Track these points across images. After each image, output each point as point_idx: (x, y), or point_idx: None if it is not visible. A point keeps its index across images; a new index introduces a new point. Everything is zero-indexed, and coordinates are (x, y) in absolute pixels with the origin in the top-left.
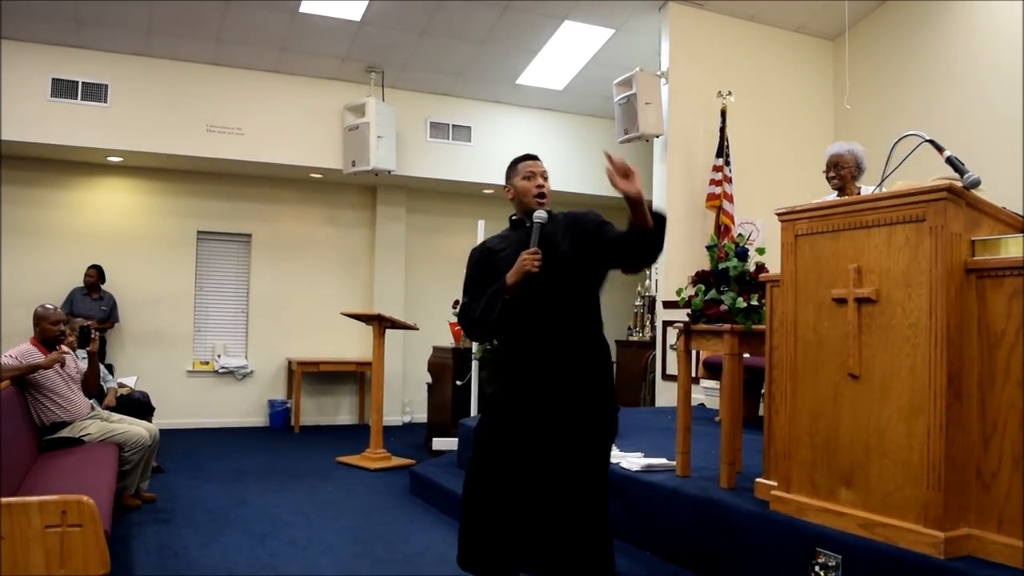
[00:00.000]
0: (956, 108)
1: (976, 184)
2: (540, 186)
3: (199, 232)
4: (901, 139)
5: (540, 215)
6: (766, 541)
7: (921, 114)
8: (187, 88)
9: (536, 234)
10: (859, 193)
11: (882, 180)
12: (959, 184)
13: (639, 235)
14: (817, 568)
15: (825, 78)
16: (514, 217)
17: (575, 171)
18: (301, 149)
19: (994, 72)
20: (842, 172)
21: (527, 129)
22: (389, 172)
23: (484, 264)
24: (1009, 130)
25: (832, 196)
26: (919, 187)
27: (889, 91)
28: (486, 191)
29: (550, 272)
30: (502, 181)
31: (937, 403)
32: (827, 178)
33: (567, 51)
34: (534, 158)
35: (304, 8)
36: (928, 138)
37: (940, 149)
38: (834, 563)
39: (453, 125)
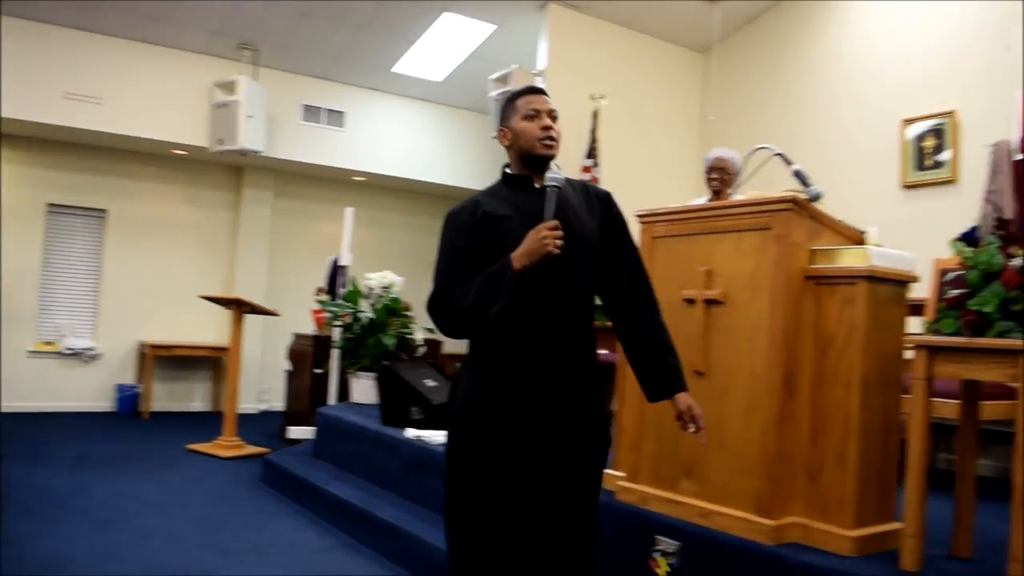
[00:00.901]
0: (808, 125)
1: (818, 197)
2: (548, 128)
3: (49, 205)
4: (754, 151)
5: (556, 175)
6: (611, 529)
7: (776, 129)
8: (45, 52)
9: (552, 202)
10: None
11: (735, 189)
12: (803, 196)
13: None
14: (656, 554)
15: (694, 88)
16: (509, 170)
17: (450, 163)
18: (165, 123)
19: (842, 93)
20: (724, 177)
21: (402, 118)
22: (258, 153)
23: (478, 233)
24: (853, 148)
25: (704, 199)
26: (767, 197)
27: (749, 105)
28: (357, 178)
29: (566, 249)
30: (375, 168)
31: (772, 401)
32: (708, 180)
33: (447, 43)
34: (539, 91)
35: None
36: (778, 151)
37: (788, 162)
38: (672, 550)
39: (327, 109)
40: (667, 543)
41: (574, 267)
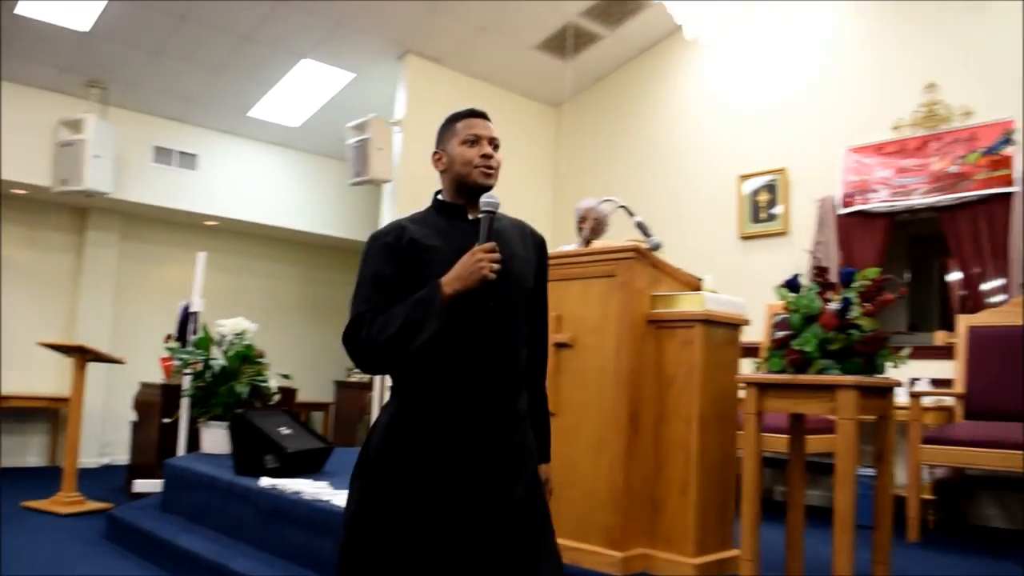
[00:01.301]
0: (654, 178)
1: (658, 247)
2: (488, 156)
3: None
4: (600, 203)
5: (492, 199)
6: None
7: (624, 181)
8: None
9: (487, 227)
10: None
11: (583, 239)
12: (644, 246)
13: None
14: None
15: (548, 141)
16: (441, 197)
17: (307, 210)
18: (4, 161)
19: (686, 148)
20: (595, 226)
21: (258, 163)
22: (104, 194)
23: (402, 261)
24: (696, 200)
25: (573, 246)
26: (612, 247)
27: (600, 158)
28: (209, 222)
29: (502, 288)
30: (228, 213)
31: (619, 437)
32: (579, 228)
33: (305, 89)
34: (481, 115)
35: (20, 9)
36: (622, 204)
37: (631, 214)
38: None
39: (179, 152)
40: None
41: (510, 305)
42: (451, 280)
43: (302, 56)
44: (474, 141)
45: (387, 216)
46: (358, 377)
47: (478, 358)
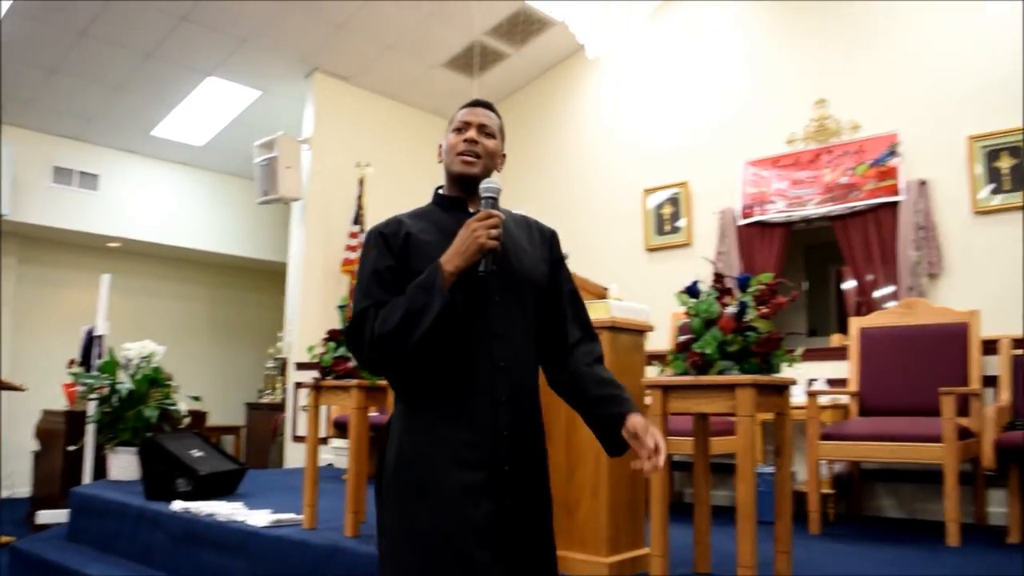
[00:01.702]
0: (564, 191)
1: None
2: (471, 141)
3: None
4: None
5: (492, 185)
6: None
7: (534, 195)
8: None
9: (489, 264)
10: None
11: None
12: None
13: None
14: None
15: None
16: (441, 191)
17: (214, 229)
18: None
19: (594, 162)
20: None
21: (161, 182)
22: (0, 217)
23: (400, 255)
24: (604, 213)
25: None
26: None
27: (509, 174)
28: (112, 244)
29: (507, 283)
30: (132, 234)
31: None
32: None
33: (210, 107)
34: (482, 104)
35: None
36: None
37: None
38: None
39: (80, 172)
40: None
41: (517, 300)
42: (450, 257)
43: (207, 74)
44: (461, 128)
45: (297, 234)
46: (270, 398)
47: (483, 353)
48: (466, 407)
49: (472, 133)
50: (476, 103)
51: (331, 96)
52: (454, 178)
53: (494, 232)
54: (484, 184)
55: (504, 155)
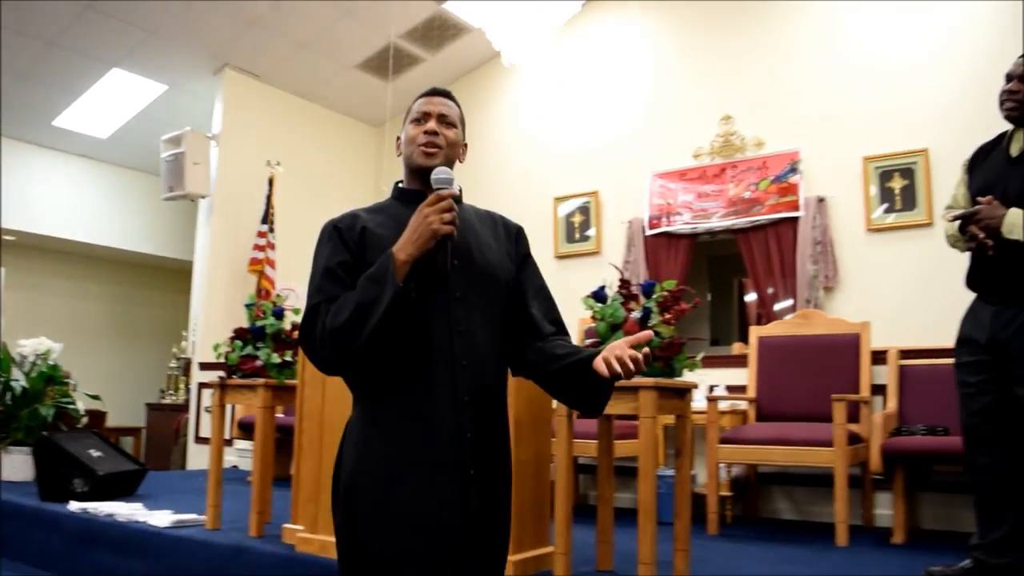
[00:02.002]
0: (476, 198)
1: None
2: (431, 132)
3: None
4: None
5: (444, 173)
6: None
7: None
8: None
9: (447, 253)
10: None
11: None
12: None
13: (578, 383)
14: None
15: (368, 160)
16: (400, 184)
17: (116, 225)
18: None
19: (508, 170)
20: None
21: (61, 174)
22: None
23: (357, 249)
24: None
25: None
26: None
27: None
28: (8, 237)
29: (469, 278)
30: (29, 227)
31: None
32: None
33: (114, 99)
34: (440, 93)
35: None
36: None
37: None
38: None
39: None
40: None
41: (479, 297)
42: (402, 245)
43: (112, 65)
44: (420, 119)
45: (203, 233)
46: (172, 399)
47: (443, 352)
48: (426, 409)
49: (432, 124)
50: (434, 91)
51: (241, 93)
52: (414, 171)
53: (447, 216)
54: (434, 174)
55: (465, 144)
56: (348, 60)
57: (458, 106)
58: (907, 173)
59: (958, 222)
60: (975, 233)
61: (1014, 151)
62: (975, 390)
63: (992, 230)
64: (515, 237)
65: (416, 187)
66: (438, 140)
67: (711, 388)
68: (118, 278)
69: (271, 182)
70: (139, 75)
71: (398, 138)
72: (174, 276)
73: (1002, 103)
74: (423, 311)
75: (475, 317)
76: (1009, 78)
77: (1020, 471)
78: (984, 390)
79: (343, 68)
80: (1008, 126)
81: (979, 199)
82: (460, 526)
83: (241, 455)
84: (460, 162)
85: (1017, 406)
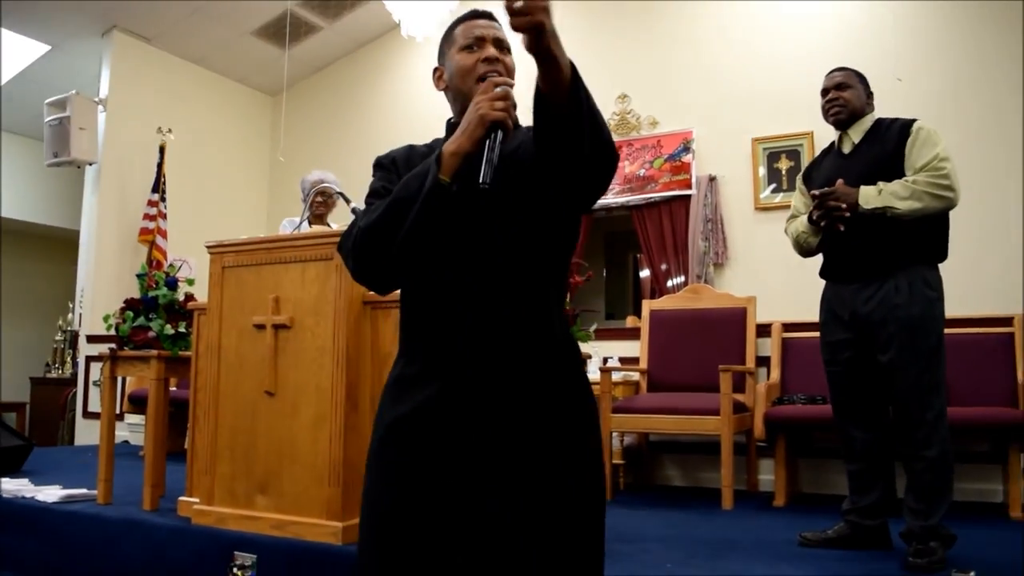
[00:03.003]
0: (369, 162)
1: None
2: (492, 59)
3: None
4: (318, 189)
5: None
6: (188, 552)
7: (345, 169)
8: None
9: (490, 150)
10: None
11: (300, 223)
12: None
13: (554, 104)
14: (235, 569)
15: (263, 129)
16: (452, 120)
17: None
18: None
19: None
20: (328, 201)
21: None
22: None
23: (405, 170)
24: None
25: (293, 220)
26: (329, 231)
27: (320, 147)
28: None
29: (508, 195)
30: None
31: (338, 413)
32: (312, 203)
33: None
34: (484, 15)
35: None
36: (339, 191)
37: (348, 201)
38: (250, 563)
39: None
40: (244, 557)
41: (516, 210)
42: (453, 138)
43: None
44: (473, 45)
45: (91, 200)
46: (58, 373)
47: (486, 276)
48: (476, 330)
49: (491, 50)
50: (478, 14)
51: (130, 56)
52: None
53: (499, 104)
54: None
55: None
56: (244, 26)
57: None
58: (793, 155)
59: (803, 221)
60: (836, 205)
61: (846, 148)
62: (842, 368)
63: (850, 204)
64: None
65: (451, 117)
66: (499, 68)
67: (605, 360)
68: None
69: (162, 150)
70: (20, 34)
71: (437, 68)
72: (60, 246)
73: (827, 114)
74: (466, 225)
75: (521, 232)
76: (826, 92)
77: (886, 442)
78: (851, 367)
79: (238, 34)
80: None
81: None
82: (455, 452)
83: (132, 430)
84: None
85: (881, 376)
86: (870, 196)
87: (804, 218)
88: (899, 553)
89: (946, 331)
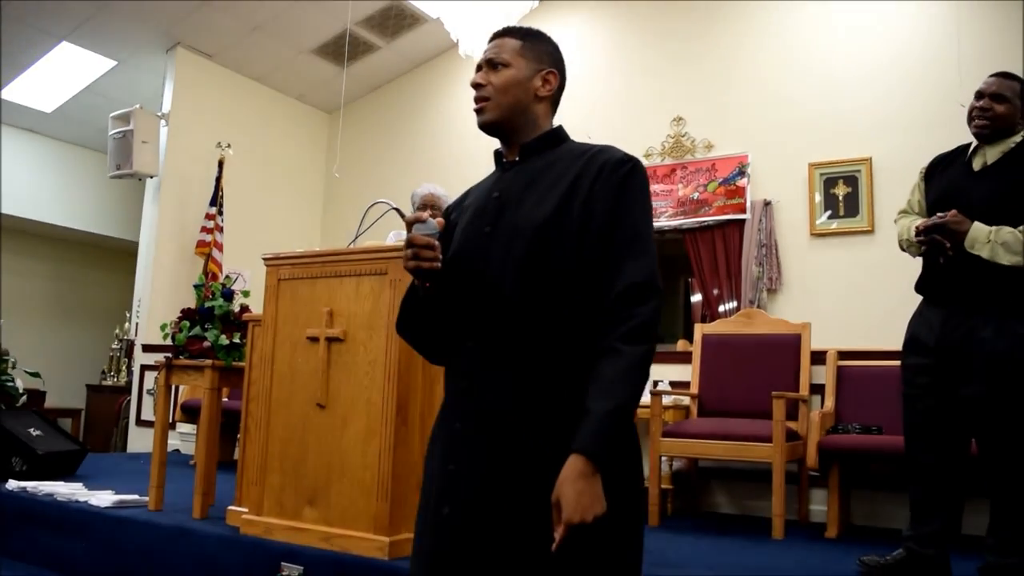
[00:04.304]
0: (425, 180)
1: None
2: (475, 85)
3: None
4: (373, 205)
5: (422, 225)
6: (236, 561)
7: (398, 185)
8: None
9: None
10: None
11: (356, 237)
12: None
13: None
14: None
15: (320, 145)
16: (497, 150)
17: (58, 202)
18: None
19: (458, 154)
20: (434, 213)
21: (6, 149)
22: None
23: (449, 231)
24: None
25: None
26: (383, 246)
27: (374, 164)
28: None
29: (498, 251)
30: None
31: (388, 428)
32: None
33: (61, 73)
34: (496, 36)
35: None
36: (394, 206)
37: (403, 216)
38: (296, 574)
39: None
40: (291, 568)
41: (508, 264)
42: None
43: (61, 38)
44: (479, 69)
45: (150, 212)
46: (114, 381)
47: (474, 337)
48: (464, 389)
49: (476, 76)
50: (493, 35)
51: (193, 73)
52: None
53: (410, 264)
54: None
55: (550, 72)
56: (303, 45)
57: (521, 36)
58: (851, 181)
59: (906, 232)
60: (941, 242)
61: (976, 165)
62: (921, 391)
63: (957, 241)
64: (605, 172)
65: (498, 147)
66: (483, 92)
67: (655, 383)
68: (61, 256)
69: (221, 164)
70: (88, 49)
71: None
72: (118, 256)
73: (971, 119)
74: (462, 282)
75: (501, 280)
76: (980, 95)
77: (957, 471)
78: (930, 392)
79: (298, 52)
80: (957, 140)
81: (939, 213)
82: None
83: (184, 439)
84: (540, 95)
85: (960, 408)
86: (978, 239)
87: (913, 224)
88: None
89: None
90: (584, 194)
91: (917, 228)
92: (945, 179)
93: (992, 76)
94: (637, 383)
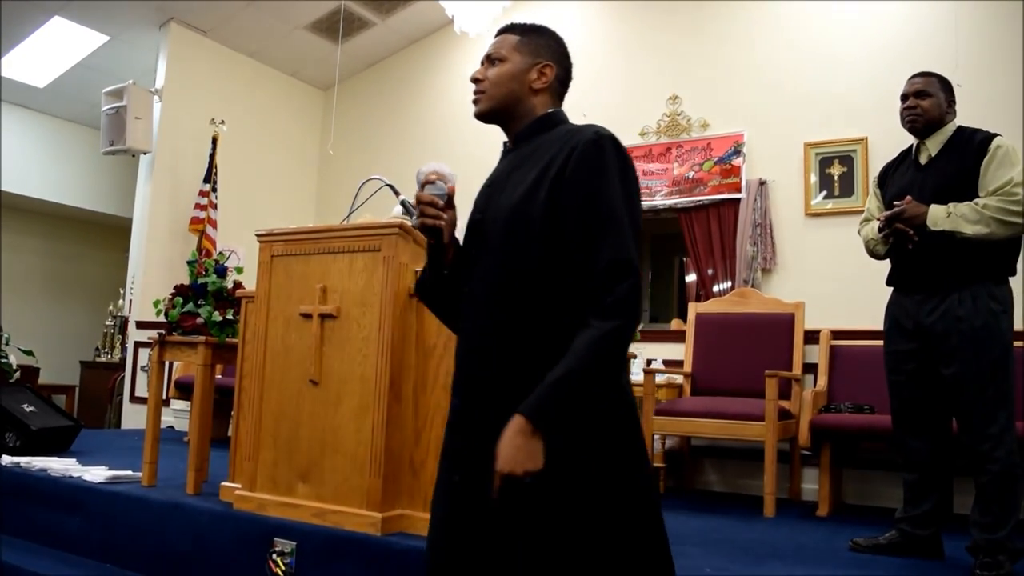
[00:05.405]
0: (422, 160)
1: None
2: (473, 80)
3: None
4: (367, 181)
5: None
6: (229, 537)
7: (393, 163)
8: None
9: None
10: None
11: (349, 214)
12: (408, 223)
13: None
14: (274, 555)
15: (314, 122)
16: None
17: (50, 177)
18: None
19: (452, 134)
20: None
21: None
22: None
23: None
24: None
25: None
26: (377, 222)
27: (369, 141)
28: None
29: (484, 237)
30: None
31: (381, 404)
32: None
33: (53, 48)
34: (500, 31)
35: None
36: (388, 183)
37: (397, 193)
38: (289, 549)
39: None
40: (283, 543)
41: (488, 253)
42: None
43: (54, 13)
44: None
45: (144, 189)
46: (107, 357)
47: (467, 322)
48: (460, 368)
49: (476, 71)
50: (496, 33)
51: (186, 48)
52: None
53: (433, 214)
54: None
55: (547, 64)
56: (298, 20)
57: (521, 32)
58: (846, 160)
59: (875, 228)
60: (904, 229)
61: (923, 159)
62: (905, 378)
63: (918, 224)
64: (584, 157)
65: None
66: (480, 86)
67: (648, 362)
68: (54, 233)
69: (215, 141)
70: (81, 24)
71: None
72: (112, 232)
73: (904, 119)
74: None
75: (489, 272)
76: (904, 97)
77: (945, 454)
78: (913, 378)
79: (292, 28)
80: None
81: (896, 202)
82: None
83: (177, 415)
84: (536, 87)
85: (943, 389)
86: (939, 218)
87: (875, 225)
88: (951, 563)
89: (1016, 344)
90: (553, 175)
91: (879, 220)
92: (897, 179)
93: (913, 76)
94: (600, 353)
